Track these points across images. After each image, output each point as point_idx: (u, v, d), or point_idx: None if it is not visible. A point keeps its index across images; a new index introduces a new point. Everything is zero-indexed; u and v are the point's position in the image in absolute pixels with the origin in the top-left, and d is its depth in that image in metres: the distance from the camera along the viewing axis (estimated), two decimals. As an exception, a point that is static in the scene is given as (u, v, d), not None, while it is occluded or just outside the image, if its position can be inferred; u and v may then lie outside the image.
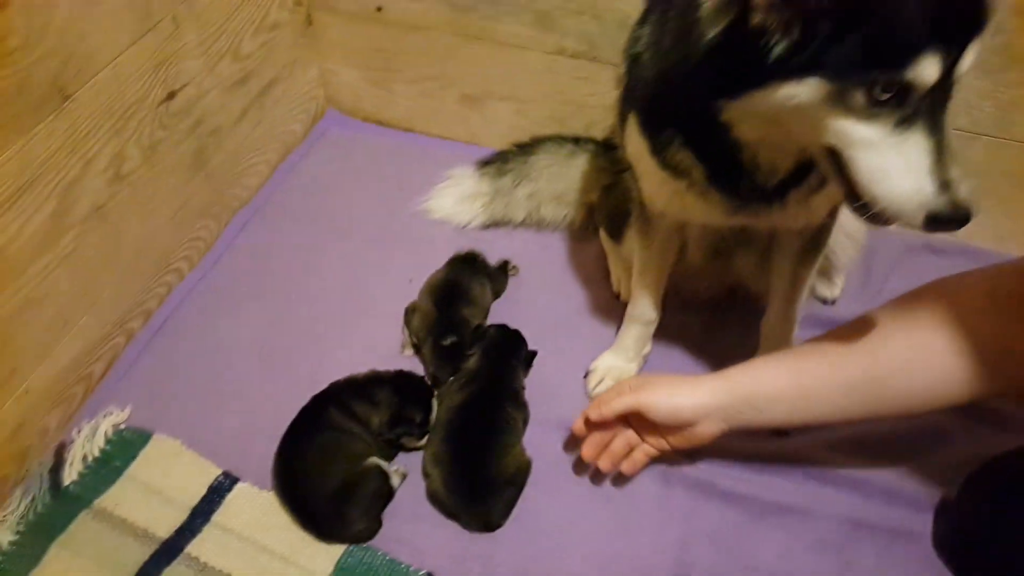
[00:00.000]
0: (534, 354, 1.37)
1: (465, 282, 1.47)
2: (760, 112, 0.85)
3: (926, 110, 0.79)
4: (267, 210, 1.69)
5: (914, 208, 0.80)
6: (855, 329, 1.07)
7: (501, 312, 1.48)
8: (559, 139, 1.65)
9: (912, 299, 1.06)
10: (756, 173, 0.97)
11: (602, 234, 1.56)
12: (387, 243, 1.62)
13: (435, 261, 1.56)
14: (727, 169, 0.97)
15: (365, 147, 1.83)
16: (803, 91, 0.80)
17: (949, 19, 0.75)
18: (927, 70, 0.76)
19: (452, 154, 1.75)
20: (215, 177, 1.58)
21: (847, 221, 1.34)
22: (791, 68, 0.79)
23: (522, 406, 1.30)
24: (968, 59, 0.78)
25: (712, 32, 0.83)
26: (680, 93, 0.93)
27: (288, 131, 1.79)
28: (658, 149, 1.03)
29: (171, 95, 1.41)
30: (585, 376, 1.38)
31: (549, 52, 1.62)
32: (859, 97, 0.79)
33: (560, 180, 1.61)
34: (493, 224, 1.65)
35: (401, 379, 1.31)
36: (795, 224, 1.12)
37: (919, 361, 1.01)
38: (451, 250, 1.58)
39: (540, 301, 1.52)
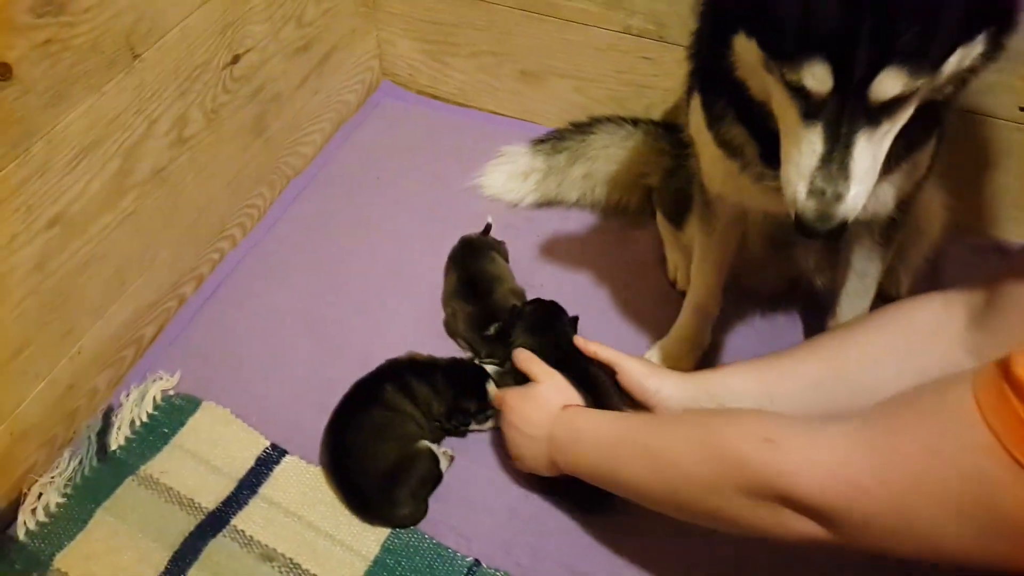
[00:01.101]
0: (576, 319, 1.34)
1: (480, 268, 1.43)
2: (746, 66, 0.87)
3: (830, 116, 0.79)
4: (320, 180, 1.67)
5: (789, 199, 0.83)
6: (823, 335, 1.13)
7: (547, 292, 1.43)
8: (618, 119, 1.62)
9: (878, 312, 1.11)
10: None
11: (660, 219, 1.53)
12: (438, 218, 1.59)
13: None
14: (770, 144, 0.93)
15: (418, 120, 1.81)
16: (749, 48, 0.83)
17: (853, 35, 0.73)
18: (813, 79, 0.77)
19: (507, 131, 1.72)
20: (273, 144, 1.56)
21: (923, 218, 1.30)
22: (750, 26, 0.82)
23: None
24: (881, 87, 0.76)
25: None
26: (709, 45, 0.94)
27: (343, 101, 1.77)
28: (713, 123, 1.02)
29: (236, 59, 1.39)
30: (639, 365, 1.35)
31: (615, 30, 1.58)
32: (776, 73, 0.80)
33: (616, 161, 1.58)
34: (546, 203, 1.62)
35: (453, 368, 1.27)
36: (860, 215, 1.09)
37: (884, 358, 1.02)
38: (502, 226, 1.57)
39: (592, 286, 1.49)
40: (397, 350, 1.30)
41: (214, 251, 1.49)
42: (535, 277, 1.48)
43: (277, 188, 1.62)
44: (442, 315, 1.43)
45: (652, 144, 1.57)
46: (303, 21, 1.55)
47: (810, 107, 0.79)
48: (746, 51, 0.84)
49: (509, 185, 1.62)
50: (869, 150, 0.80)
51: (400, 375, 1.24)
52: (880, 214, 1.09)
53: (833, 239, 0.85)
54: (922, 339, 0.99)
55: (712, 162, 1.09)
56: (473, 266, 1.44)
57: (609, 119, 1.62)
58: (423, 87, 1.86)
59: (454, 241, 1.53)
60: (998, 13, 0.79)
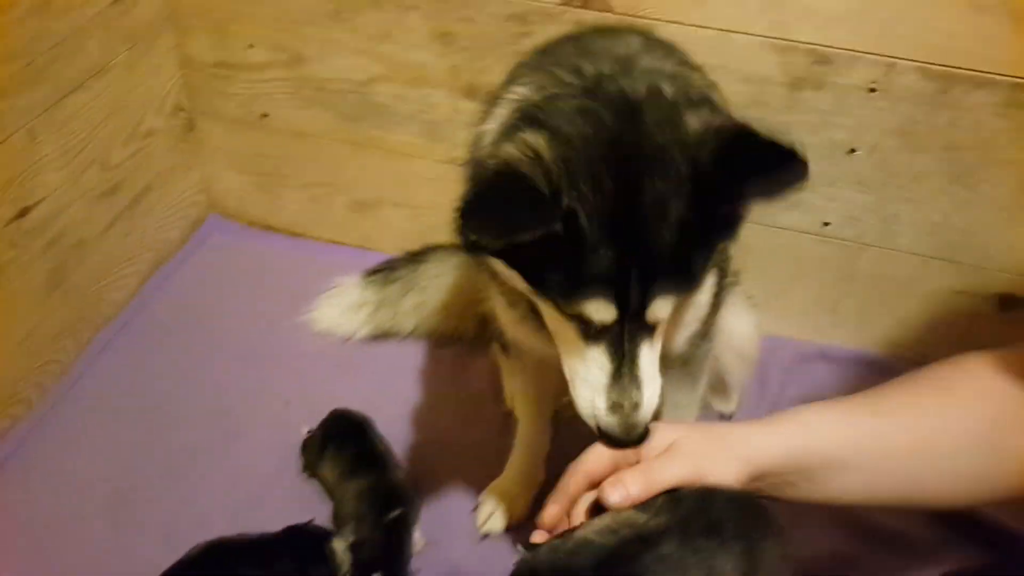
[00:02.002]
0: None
1: (372, 441, 1.32)
2: (510, 280, 0.88)
3: (612, 338, 0.82)
4: (134, 327, 1.57)
5: (589, 416, 0.85)
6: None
7: (382, 432, 1.37)
8: (450, 247, 1.59)
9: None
10: None
11: (495, 347, 1.50)
12: (266, 360, 1.52)
13: (316, 379, 1.48)
14: None
15: (249, 254, 1.74)
16: (513, 275, 0.84)
17: (624, 275, 0.77)
18: (597, 314, 0.80)
19: (343, 260, 1.67)
20: (75, 295, 1.47)
21: (738, 343, 1.32)
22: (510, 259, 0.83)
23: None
24: (657, 310, 0.81)
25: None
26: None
27: (164, 239, 1.69)
28: (491, 276, 1.01)
29: (24, 212, 1.31)
30: (474, 510, 1.30)
31: (440, 161, 1.57)
32: (551, 304, 0.83)
33: (449, 290, 1.55)
34: (381, 336, 1.57)
35: (293, 539, 1.14)
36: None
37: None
38: (334, 366, 1.51)
39: (429, 422, 1.44)
40: (212, 525, 1.18)
41: (4, 418, 1.36)
42: (369, 415, 1.41)
43: (83, 340, 1.51)
44: (266, 472, 1.33)
45: (483, 271, 1.55)
46: (108, 164, 1.49)
47: (591, 331, 0.82)
48: (511, 278, 0.86)
49: (341, 319, 1.57)
50: (651, 356, 0.85)
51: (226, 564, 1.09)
52: (668, 352, 1.09)
53: (638, 444, 0.84)
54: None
55: (500, 309, 1.08)
56: (363, 440, 1.32)
57: (442, 247, 1.60)
58: (255, 219, 1.80)
59: (282, 385, 1.46)
60: (729, 225, 0.84)
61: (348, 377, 1.50)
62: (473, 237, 0.76)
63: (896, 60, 1.28)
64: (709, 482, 0.80)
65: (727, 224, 0.82)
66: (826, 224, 1.45)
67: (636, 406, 0.83)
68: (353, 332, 1.56)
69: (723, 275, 1.11)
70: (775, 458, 0.84)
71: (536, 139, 0.78)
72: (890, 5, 1.24)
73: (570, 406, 1.29)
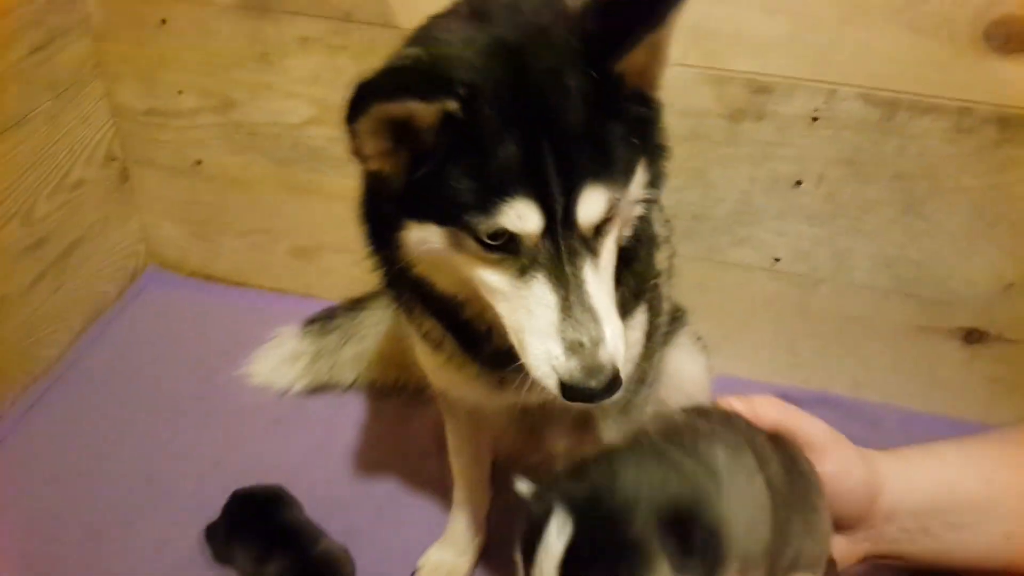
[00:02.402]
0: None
1: (293, 517, 1.23)
2: (422, 258, 0.80)
3: (549, 260, 0.73)
4: (62, 386, 1.50)
5: (547, 373, 0.74)
6: None
7: (319, 493, 1.29)
8: (393, 294, 1.54)
9: None
10: (492, 335, 0.88)
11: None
12: (198, 417, 1.45)
13: (249, 437, 1.41)
14: (466, 334, 0.89)
15: (187, 305, 1.68)
16: (427, 234, 0.75)
17: (540, 166, 0.70)
18: (520, 221, 0.71)
19: (285, 310, 1.61)
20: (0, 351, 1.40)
21: (688, 385, 1.25)
22: (419, 209, 0.75)
23: None
24: (588, 207, 0.72)
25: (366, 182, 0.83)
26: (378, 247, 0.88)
27: (98, 292, 1.63)
28: (409, 316, 0.96)
29: (-70, 270, 1.25)
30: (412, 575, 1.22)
31: (378, 204, 1.52)
32: (470, 242, 0.73)
33: (390, 339, 1.49)
34: (320, 388, 1.51)
35: None
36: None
37: None
38: (268, 422, 1.44)
39: (367, 479, 1.36)
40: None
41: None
42: (305, 475, 1.34)
43: (9, 400, 1.44)
44: (192, 539, 1.24)
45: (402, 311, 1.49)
46: (32, 218, 1.43)
47: (523, 261, 0.73)
48: (425, 240, 0.77)
49: (277, 372, 1.50)
50: (601, 286, 0.75)
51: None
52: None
53: (609, 394, 0.74)
54: None
55: (423, 356, 1.01)
56: (275, 517, 1.22)
57: (383, 294, 1.54)
58: (195, 268, 1.74)
59: (214, 443, 1.39)
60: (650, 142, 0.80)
61: (283, 434, 1.44)
62: (362, 120, 0.70)
63: (837, 87, 1.23)
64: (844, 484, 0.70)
65: (636, 99, 0.77)
66: (777, 260, 1.38)
67: (599, 341, 0.72)
68: (290, 385, 1.49)
69: (655, 313, 1.04)
70: (917, 492, 0.70)
71: (415, 50, 0.77)
72: (826, 30, 1.19)
73: (508, 454, 1.23)
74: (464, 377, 0.95)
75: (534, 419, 1.18)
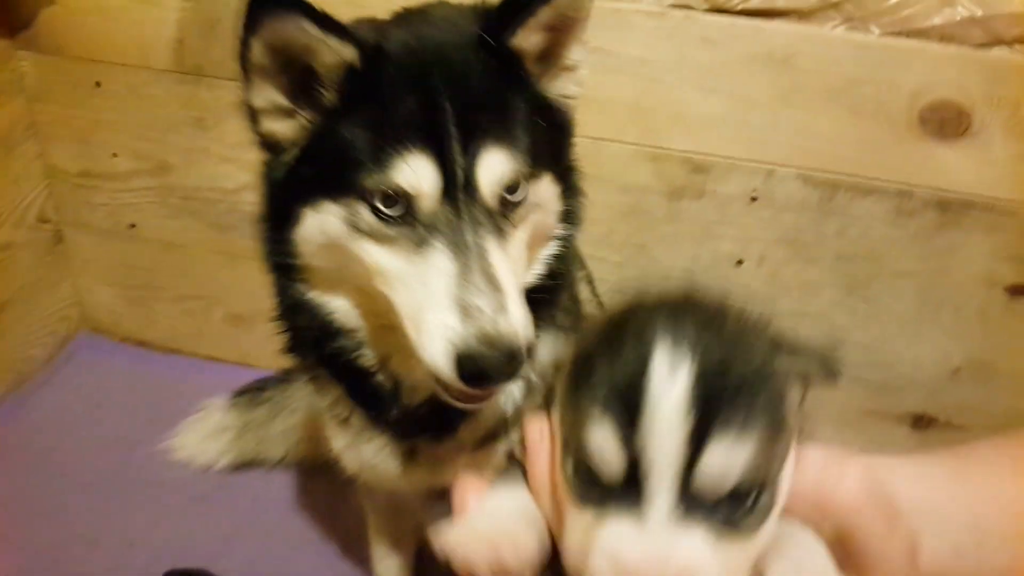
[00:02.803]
0: None
1: None
2: (317, 257, 0.75)
3: (446, 227, 0.68)
4: (-24, 458, 1.43)
5: (441, 351, 0.66)
6: None
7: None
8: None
9: None
10: (399, 392, 0.83)
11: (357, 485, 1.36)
12: (118, 493, 1.38)
13: (171, 514, 1.34)
14: (373, 397, 0.84)
15: (118, 373, 1.62)
16: (322, 217, 0.71)
17: (438, 124, 0.68)
18: (415, 176, 0.67)
19: (219, 379, 1.55)
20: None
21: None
22: (313, 189, 0.71)
23: None
24: (489, 169, 0.69)
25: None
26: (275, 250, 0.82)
27: (25, 359, 1.57)
28: (317, 386, 0.92)
29: None
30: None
31: (315, 272, 1.47)
32: (366, 214, 0.69)
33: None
34: (245, 464, 1.44)
35: None
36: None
37: None
38: (190, 499, 1.37)
39: (294, 562, 1.29)
40: None
41: None
42: (226, 558, 1.27)
43: (-88, 473, 1.37)
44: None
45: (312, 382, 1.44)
46: (-48, 282, 1.38)
47: (421, 232, 0.68)
48: (321, 227, 0.73)
49: (201, 446, 1.43)
50: (507, 263, 0.69)
51: None
52: None
53: (511, 372, 0.66)
54: None
55: (332, 436, 0.96)
56: None
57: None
58: (129, 334, 1.69)
59: (131, 523, 1.32)
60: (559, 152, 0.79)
61: (207, 512, 1.36)
62: (255, 41, 0.68)
63: (775, 167, 1.20)
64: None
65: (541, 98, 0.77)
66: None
67: (501, 308, 0.65)
68: (215, 460, 1.43)
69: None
70: (857, 481, 0.63)
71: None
72: (763, 111, 1.17)
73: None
74: (375, 450, 0.90)
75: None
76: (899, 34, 1.13)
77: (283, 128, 0.73)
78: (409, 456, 0.89)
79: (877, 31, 1.14)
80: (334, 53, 0.68)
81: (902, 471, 0.65)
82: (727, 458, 0.53)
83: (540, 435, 0.60)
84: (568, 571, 0.56)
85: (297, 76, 0.70)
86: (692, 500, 0.52)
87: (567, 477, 0.56)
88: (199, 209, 1.50)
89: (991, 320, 1.24)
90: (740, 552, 0.55)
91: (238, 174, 1.44)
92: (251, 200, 1.43)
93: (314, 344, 0.85)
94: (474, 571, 0.55)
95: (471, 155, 0.69)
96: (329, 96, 0.70)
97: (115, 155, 1.49)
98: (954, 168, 1.15)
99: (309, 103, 0.71)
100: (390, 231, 0.69)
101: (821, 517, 0.59)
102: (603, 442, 0.53)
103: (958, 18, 1.10)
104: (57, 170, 1.54)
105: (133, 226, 1.55)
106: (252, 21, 0.66)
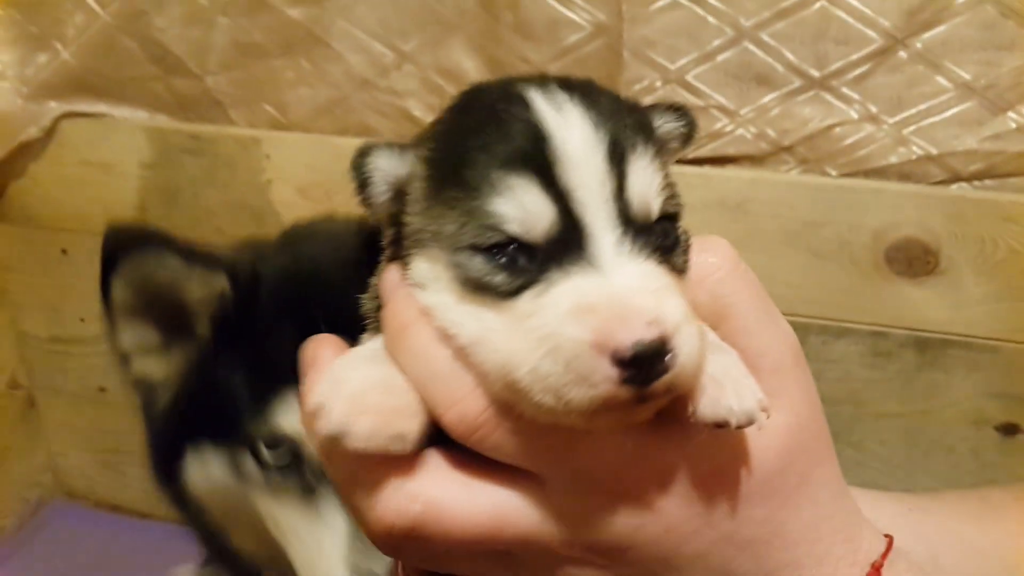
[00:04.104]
0: None
1: None
2: (212, 503, 0.71)
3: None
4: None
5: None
6: None
7: None
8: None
9: None
10: None
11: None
12: None
13: None
14: None
15: (89, 541, 1.56)
16: (204, 463, 0.69)
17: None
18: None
19: (191, 544, 1.49)
20: None
21: None
22: (193, 428, 0.68)
23: None
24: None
25: None
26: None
27: (-6, 530, 1.53)
28: None
29: None
30: None
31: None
32: (249, 463, 0.66)
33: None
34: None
35: None
36: None
37: None
38: None
39: None
40: None
41: None
42: None
43: None
44: None
45: None
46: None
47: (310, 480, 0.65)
48: (205, 474, 0.69)
49: (167, 624, 1.36)
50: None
51: None
52: None
53: None
54: None
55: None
56: None
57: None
58: (102, 499, 1.64)
59: None
60: None
61: None
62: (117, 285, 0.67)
63: (741, 313, 1.16)
64: None
65: None
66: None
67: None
68: (180, 640, 1.35)
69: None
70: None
71: None
72: (724, 256, 1.14)
73: None
74: None
75: None
76: (856, 174, 1.11)
77: (156, 368, 0.69)
78: None
79: (834, 172, 1.11)
80: (203, 285, 0.65)
81: None
82: (649, 176, 0.52)
83: (399, 279, 0.56)
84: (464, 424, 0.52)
85: (167, 310, 0.67)
86: (631, 230, 0.50)
87: (476, 278, 0.50)
88: (166, 371, 1.48)
89: (985, 461, 1.16)
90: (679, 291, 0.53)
91: (203, 335, 1.43)
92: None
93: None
94: (347, 445, 0.48)
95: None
96: (202, 329, 0.66)
97: (83, 320, 1.48)
98: (927, 307, 1.10)
99: (182, 337, 0.67)
100: (276, 478, 0.66)
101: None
102: (524, 196, 0.49)
103: (914, 157, 1.08)
104: (28, 336, 1.53)
105: (103, 389, 1.53)
106: (110, 260, 0.64)
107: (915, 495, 0.83)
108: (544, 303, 0.48)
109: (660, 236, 0.52)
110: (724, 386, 0.51)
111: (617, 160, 0.50)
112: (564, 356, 0.46)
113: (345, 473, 0.52)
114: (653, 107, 0.60)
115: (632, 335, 0.45)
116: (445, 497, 0.52)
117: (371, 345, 0.56)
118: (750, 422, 0.51)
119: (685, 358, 0.47)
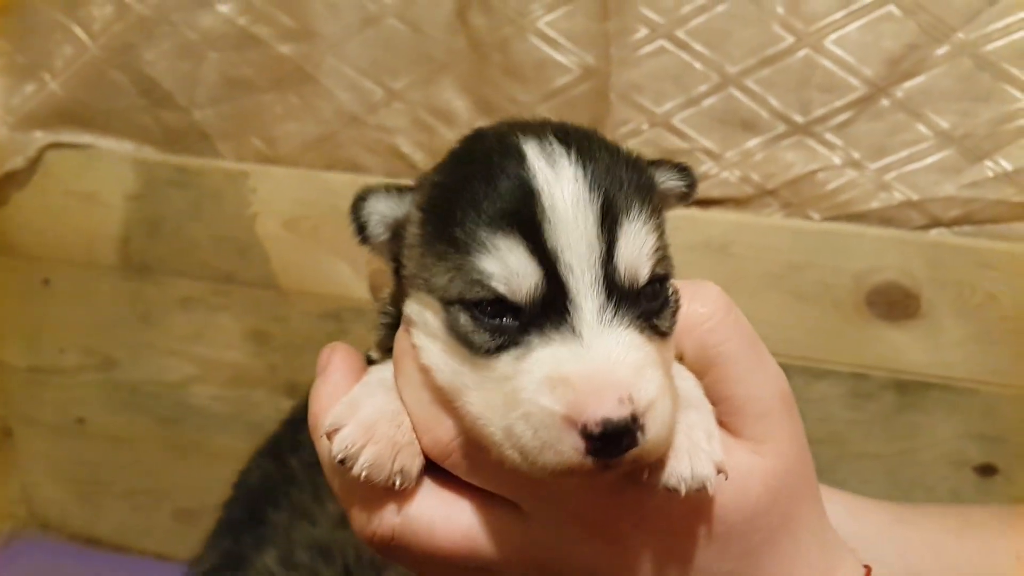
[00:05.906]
0: None
1: None
2: None
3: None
4: None
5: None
6: None
7: None
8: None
9: None
10: None
11: None
12: None
13: None
14: None
15: (64, 574, 1.54)
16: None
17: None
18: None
19: (165, 578, 1.47)
20: None
21: None
22: None
23: None
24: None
25: None
26: None
27: (-37, 564, 1.49)
28: None
29: None
30: None
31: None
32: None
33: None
34: None
35: None
36: None
37: None
38: None
39: None
40: None
41: None
42: None
43: None
44: None
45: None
46: None
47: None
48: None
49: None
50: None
51: None
52: None
53: None
54: None
55: None
56: None
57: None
58: (77, 531, 1.61)
59: None
60: None
61: None
62: None
63: (724, 353, 1.17)
64: None
65: None
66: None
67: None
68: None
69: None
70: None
71: None
72: (707, 297, 1.15)
73: None
74: None
75: None
76: (838, 218, 1.13)
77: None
78: None
79: (817, 216, 1.13)
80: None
81: None
82: (641, 240, 0.51)
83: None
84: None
85: None
86: (616, 296, 0.50)
87: (460, 332, 0.51)
88: (145, 403, 1.46)
89: (964, 501, 1.17)
90: (662, 355, 0.52)
91: (184, 367, 1.42)
92: (198, 392, 1.42)
93: None
94: (352, 472, 0.53)
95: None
96: None
97: (62, 351, 1.47)
98: (907, 349, 1.12)
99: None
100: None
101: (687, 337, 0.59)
102: (509, 256, 0.49)
103: (895, 202, 1.10)
104: (5, 366, 1.51)
105: (81, 421, 1.51)
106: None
107: (900, 505, 0.85)
108: (522, 368, 0.49)
109: (647, 299, 0.52)
110: (680, 455, 0.52)
111: (609, 223, 0.50)
112: (535, 423, 0.47)
113: (344, 485, 0.58)
114: (656, 163, 0.61)
115: (602, 412, 0.46)
116: (424, 514, 0.56)
117: (389, 371, 0.59)
118: (702, 488, 0.52)
119: (654, 436, 0.48)
